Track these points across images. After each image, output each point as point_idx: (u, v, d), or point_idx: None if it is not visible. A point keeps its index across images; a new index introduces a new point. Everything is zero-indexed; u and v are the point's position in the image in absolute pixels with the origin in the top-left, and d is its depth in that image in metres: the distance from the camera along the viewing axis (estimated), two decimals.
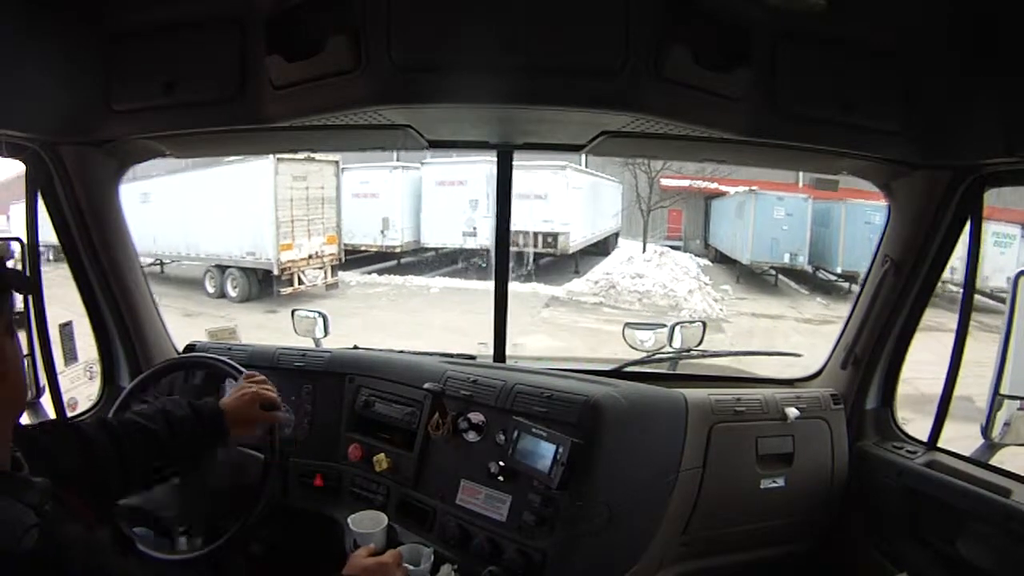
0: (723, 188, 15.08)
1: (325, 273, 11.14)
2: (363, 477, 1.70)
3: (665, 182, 15.40)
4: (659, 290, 11.39)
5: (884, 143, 1.38)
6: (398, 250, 13.16)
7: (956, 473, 1.51)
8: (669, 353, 2.11)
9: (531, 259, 12.96)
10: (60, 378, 1.79)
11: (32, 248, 1.66)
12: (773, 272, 13.37)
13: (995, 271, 10.23)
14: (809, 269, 13.63)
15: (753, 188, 13.40)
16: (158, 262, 12.43)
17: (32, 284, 1.52)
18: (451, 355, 1.96)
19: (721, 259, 15.32)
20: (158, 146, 1.62)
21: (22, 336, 1.69)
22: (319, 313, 2.26)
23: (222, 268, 10.96)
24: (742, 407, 1.67)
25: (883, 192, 1.65)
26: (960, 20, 1.20)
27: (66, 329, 1.84)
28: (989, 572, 1.40)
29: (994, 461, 1.61)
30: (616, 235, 15.59)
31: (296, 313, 2.29)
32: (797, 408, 1.70)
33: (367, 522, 1.49)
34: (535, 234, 12.11)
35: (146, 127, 1.47)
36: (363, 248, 12.94)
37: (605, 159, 14.16)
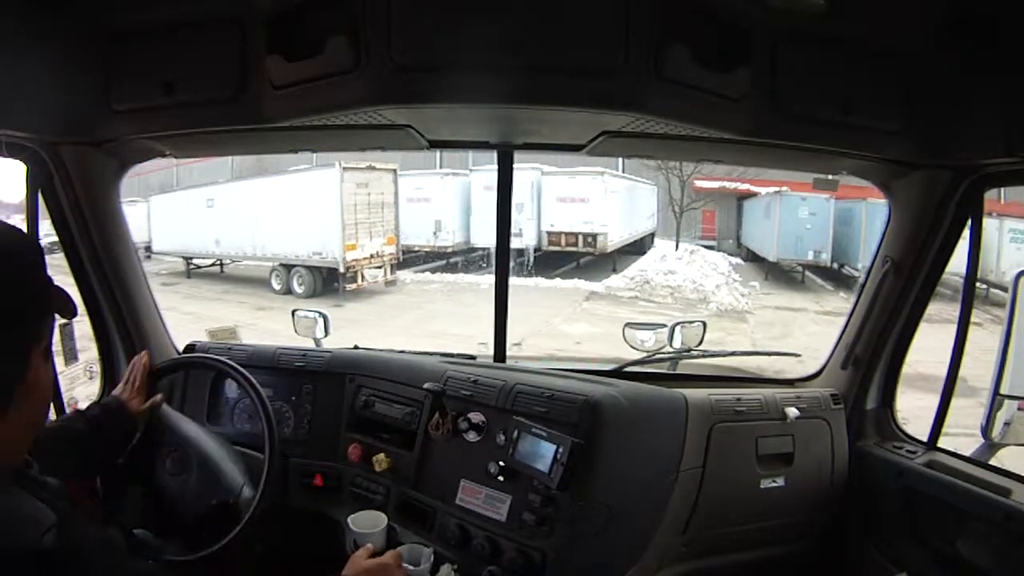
0: (754, 189, 15.52)
1: (385, 271, 12.10)
2: (363, 477, 1.70)
3: (698, 184, 16.07)
4: (689, 285, 12.18)
5: (884, 143, 1.38)
6: (449, 250, 14.20)
7: (956, 473, 1.51)
8: (669, 353, 2.11)
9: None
10: (60, 378, 1.79)
11: None
12: (800, 269, 14.00)
13: (1012, 267, 10.54)
14: (833, 266, 14.02)
15: (779, 189, 13.99)
16: (218, 262, 13.39)
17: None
18: (451, 355, 1.96)
19: (752, 257, 15.85)
20: (158, 146, 1.62)
21: None
22: (319, 313, 2.26)
23: (288, 267, 11.86)
24: (742, 407, 1.67)
25: (883, 192, 1.65)
26: (960, 20, 1.19)
27: (66, 329, 1.84)
28: (989, 572, 1.40)
29: (994, 461, 1.61)
30: (652, 235, 16.34)
31: (296, 313, 2.29)
32: (797, 408, 1.70)
33: (367, 522, 1.49)
34: (577, 234, 13.24)
35: (146, 127, 1.47)
36: (417, 248, 13.96)
37: (640, 163, 14.93)
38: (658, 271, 12.79)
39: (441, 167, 14.48)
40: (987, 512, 1.39)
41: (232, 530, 1.43)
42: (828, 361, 1.90)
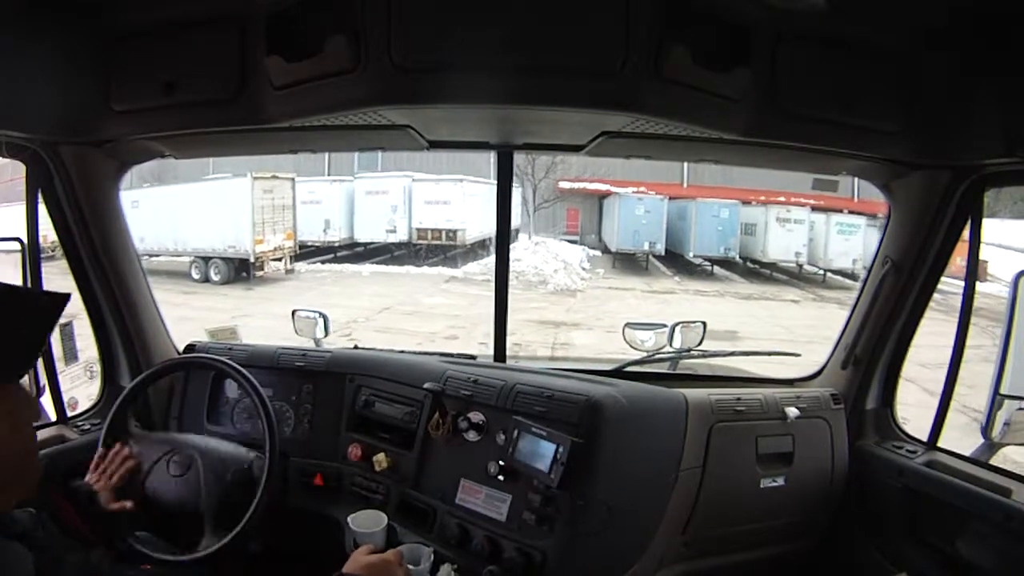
0: (614, 189, 18.02)
1: (284, 262, 14.81)
2: (363, 477, 1.70)
3: (561, 184, 18.84)
4: (531, 270, 14.84)
5: (884, 143, 1.38)
6: (336, 244, 17.15)
7: (956, 473, 1.51)
8: (669, 353, 2.11)
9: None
10: (60, 378, 1.79)
11: (32, 248, 1.66)
12: (645, 257, 17.27)
13: (838, 255, 15.42)
14: (661, 254, 17.31)
15: (621, 191, 17.41)
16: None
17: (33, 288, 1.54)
18: (451, 355, 1.96)
19: (607, 250, 18.55)
20: (158, 146, 1.62)
21: None
22: (319, 313, 2.26)
23: (206, 259, 14.15)
24: (742, 407, 1.67)
25: (883, 192, 1.65)
26: (960, 20, 1.20)
27: (66, 329, 1.84)
28: (989, 572, 1.40)
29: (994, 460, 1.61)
30: (516, 231, 18.69)
31: (297, 313, 2.29)
32: (797, 408, 1.70)
33: (367, 522, 1.49)
34: (440, 231, 16.31)
35: (146, 127, 1.47)
36: (310, 243, 16.64)
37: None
38: None
39: (329, 174, 17.85)
40: (987, 512, 1.39)
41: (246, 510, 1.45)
42: (828, 361, 1.90)
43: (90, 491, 1.37)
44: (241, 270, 13.99)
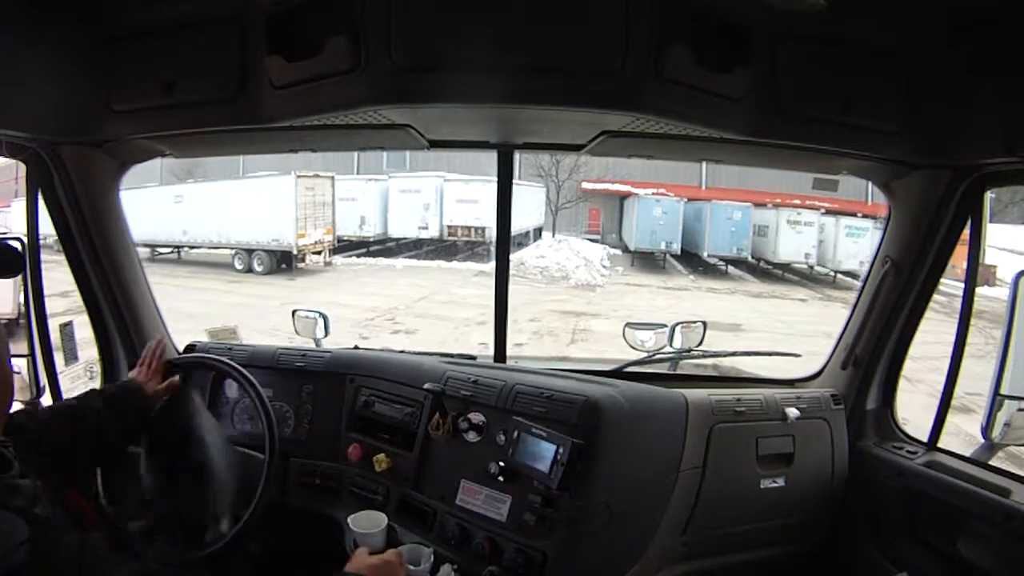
0: (634, 190, 18.64)
1: (324, 255, 15.78)
2: (363, 477, 1.70)
3: (585, 185, 19.70)
4: (554, 266, 15.64)
5: (884, 143, 1.38)
6: (371, 239, 18.17)
7: (956, 473, 1.51)
8: (669, 353, 2.11)
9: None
10: (60, 378, 1.79)
11: (32, 248, 1.66)
12: (663, 256, 17.96)
13: (847, 256, 15.77)
14: (677, 253, 18.06)
15: (637, 192, 18.22)
16: (176, 250, 16.45)
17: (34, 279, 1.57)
18: (451, 355, 1.96)
19: (627, 249, 19.09)
20: (158, 146, 1.62)
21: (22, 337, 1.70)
22: (319, 313, 2.26)
23: (249, 251, 15.11)
24: (742, 407, 1.67)
25: (883, 192, 1.65)
26: (960, 20, 1.20)
27: (66, 329, 1.84)
28: (989, 572, 1.40)
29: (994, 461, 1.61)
30: (539, 229, 19.32)
31: (296, 313, 2.29)
32: (797, 408, 1.70)
33: (367, 522, 1.48)
34: (470, 228, 17.26)
35: (146, 127, 1.47)
36: (346, 238, 17.56)
37: (530, 172, 18.55)
38: (532, 256, 16.29)
39: (358, 172, 19.06)
40: (987, 512, 1.39)
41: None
42: (828, 361, 1.90)
43: (136, 382, 1.50)
44: (282, 262, 14.86)
